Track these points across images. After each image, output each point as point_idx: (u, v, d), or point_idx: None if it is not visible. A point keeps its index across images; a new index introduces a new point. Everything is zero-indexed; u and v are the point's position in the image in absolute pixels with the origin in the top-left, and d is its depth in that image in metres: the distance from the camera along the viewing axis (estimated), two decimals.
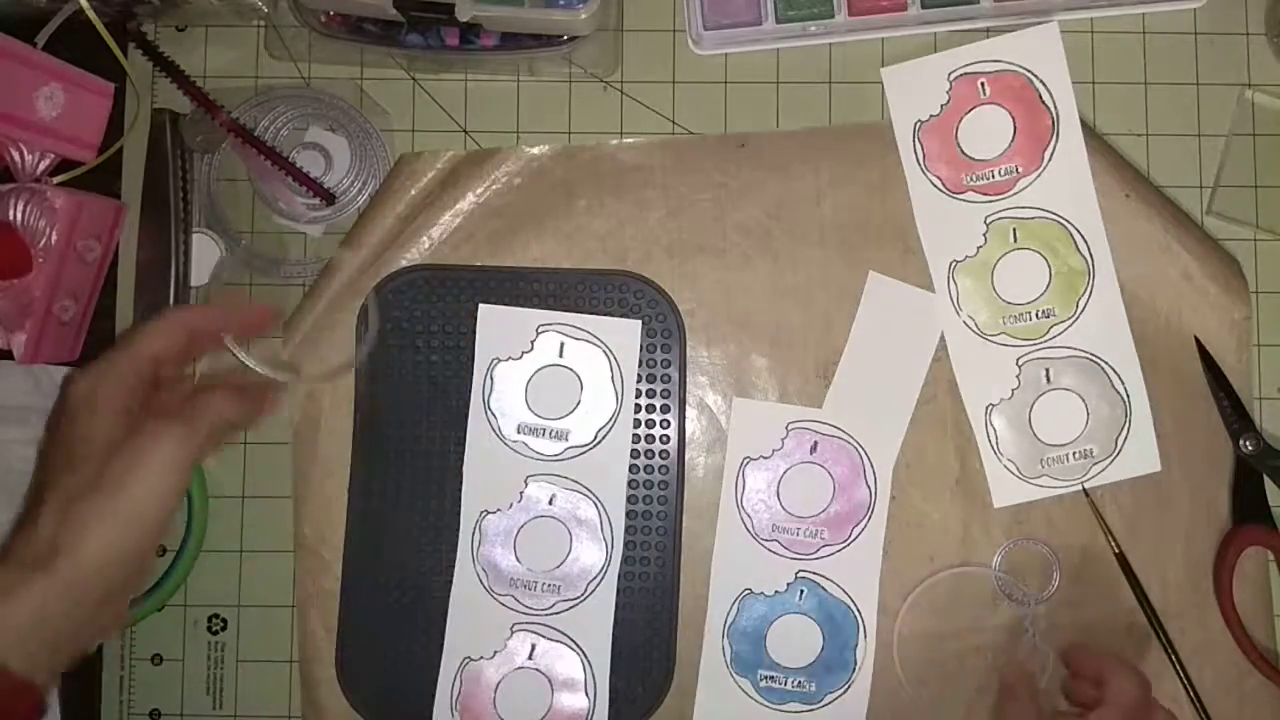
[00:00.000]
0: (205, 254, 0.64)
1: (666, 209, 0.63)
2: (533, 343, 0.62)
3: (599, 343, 0.62)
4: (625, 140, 0.64)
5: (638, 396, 0.62)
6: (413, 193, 0.63)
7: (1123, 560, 0.62)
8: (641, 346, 0.62)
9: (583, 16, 0.58)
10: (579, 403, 0.62)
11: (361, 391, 0.62)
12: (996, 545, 0.62)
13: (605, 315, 0.62)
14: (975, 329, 0.63)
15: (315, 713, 0.62)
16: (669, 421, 0.62)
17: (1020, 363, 0.63)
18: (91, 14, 0.60)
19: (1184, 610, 0.62)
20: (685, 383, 0.63)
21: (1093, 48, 0.65)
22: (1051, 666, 0.61)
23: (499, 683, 0.62)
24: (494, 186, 0.63)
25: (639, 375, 0.62)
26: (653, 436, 0.62)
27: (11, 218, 0.59)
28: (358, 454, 0.62)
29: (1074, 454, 0.63)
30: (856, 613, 0.62)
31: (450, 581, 0.62)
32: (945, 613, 0.62)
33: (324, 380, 0.62)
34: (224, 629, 0.63)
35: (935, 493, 0.63)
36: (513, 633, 0.62)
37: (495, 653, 0.62)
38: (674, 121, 0.64)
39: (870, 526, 0.62)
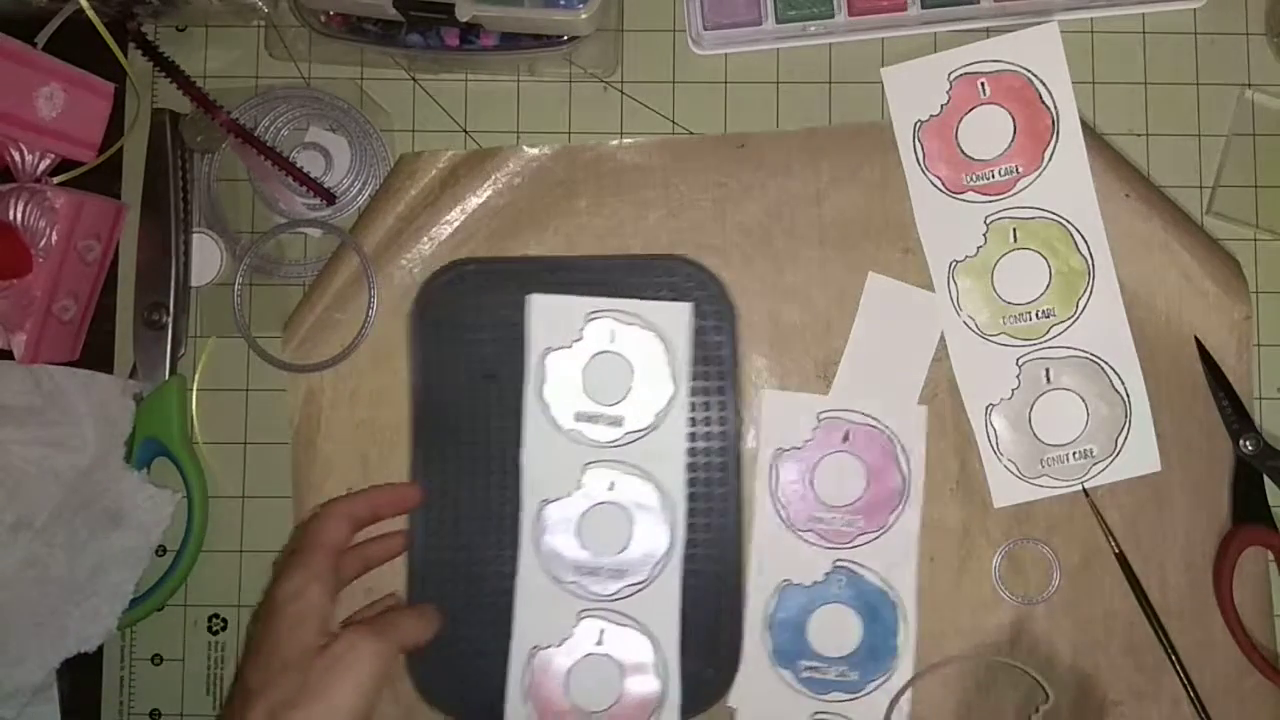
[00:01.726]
0: (205, 254, 0.64)
1: (666, 209, 0.63)
2: (583, 330, 0.62)
3: (650, 327, 0.62)
4: (625, 140, 0.64)
5: (693, 379, 0.62)
6: (413, 193, 0.63)
7: (1123, 560, 0.62)
8: (693, 329, 0.62)
9: (583, 16, 0.58)
10: (632, 388, 0.62)
11: (417, 387, 0.62)
12: (996, 545, 0.62)
13: (655, 299, 0.62)
14: (975, 329, 0.63)
15: None
16: (725, 403, 0.62)
17: (1020, 363, 0.63)
18: (91, 14, 0.60)
19: (1184, 610, 0.62)
20: (739, 362, 0.62)
21: (1093, 48, 0.65)
22: None
23: (569, 669, 0.61)
24: (494, 186, 0.63)
25: (693, 357, 0.62)
26: (709, 418, 0.62)
27: (11, 218, 0.59)
28: (416, 450, 0.62)
29: (1074, 454, 0.63)
30: (896, 600, 0.62)
31: (515, 571, 0.62)
32: (945, 611, 0.62)
33: (320, 368, 0.63)
34: (224, 629, 0.63)
35: (935, 493, 0.63)
36: (580, 619, 0.62)
37: (564, 640, 0.62)
38: (674, 121, 0.64)
39: (906, 513, 0.62)
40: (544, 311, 0.62)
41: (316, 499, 0.62)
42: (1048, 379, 0.63)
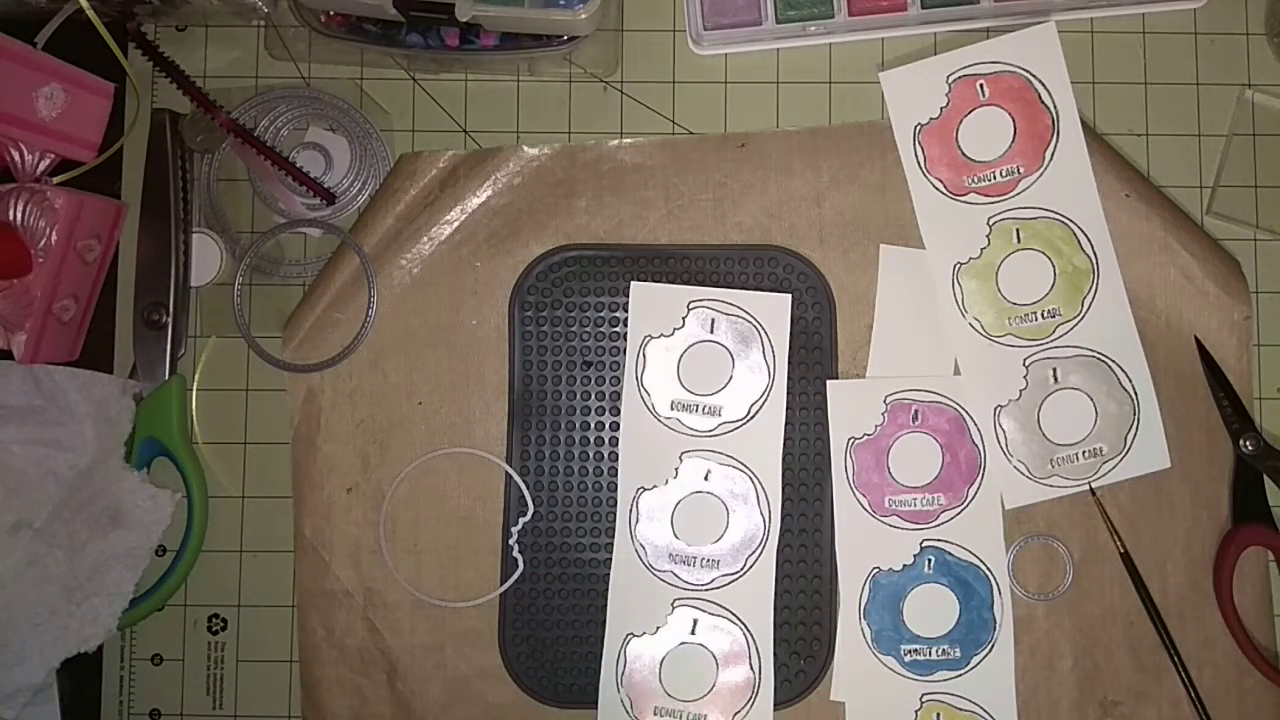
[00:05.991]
0: (205, 254, 0.64)
1: (666, 209, 0.63)
2: (684, 319, 0.63)
3: (749, 317, 0.62)
4: (625, 140, 0.64)
5: (790, 370, 0.62)
6: (413, 193, 0.63)
7: (1128, 560, 0.62)
8: (792, 320, 0.62)
9: (583, 16, 0.58)
10: (731, 378, 0.62)
11: (517, 374, 0.63)
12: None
13: (755, 290, 0.63)
14: (981, 330, 0.63)
15: (315, 713, 0.62)
16: (821, 394, 0.62)
17: (1027, 363, 0.63)
18: (91, 14, 0.60)
19: (1184, 610, 0.62)
20: (838, 355, 0.63)
21: (1092, 48, 0.65)
22: None
23: (663, 658, 0.62)
24: (494, 186, 0.63)
25: (790, 348, 0.62)
26: (806, 409, 0.62)
27: (11, 218, 0.59)
28: (513, 434, 0.62)
29: (1083, 453, 0.62)
30: (988, 572, 0.62)
31: (609, 558, 0.62)
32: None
33: (320, 368, 0.63)
34: (224, 629, 0.63)
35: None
36: (674, 608, 0.62)
37: (658, 628, 0.62)
38: (674, 121, 0.64)
39: (986, 483, 0.62)
40: (645, 299, 0.63)
41: (317, 499, 0.62)
42: (1055, 379, 0.63)
